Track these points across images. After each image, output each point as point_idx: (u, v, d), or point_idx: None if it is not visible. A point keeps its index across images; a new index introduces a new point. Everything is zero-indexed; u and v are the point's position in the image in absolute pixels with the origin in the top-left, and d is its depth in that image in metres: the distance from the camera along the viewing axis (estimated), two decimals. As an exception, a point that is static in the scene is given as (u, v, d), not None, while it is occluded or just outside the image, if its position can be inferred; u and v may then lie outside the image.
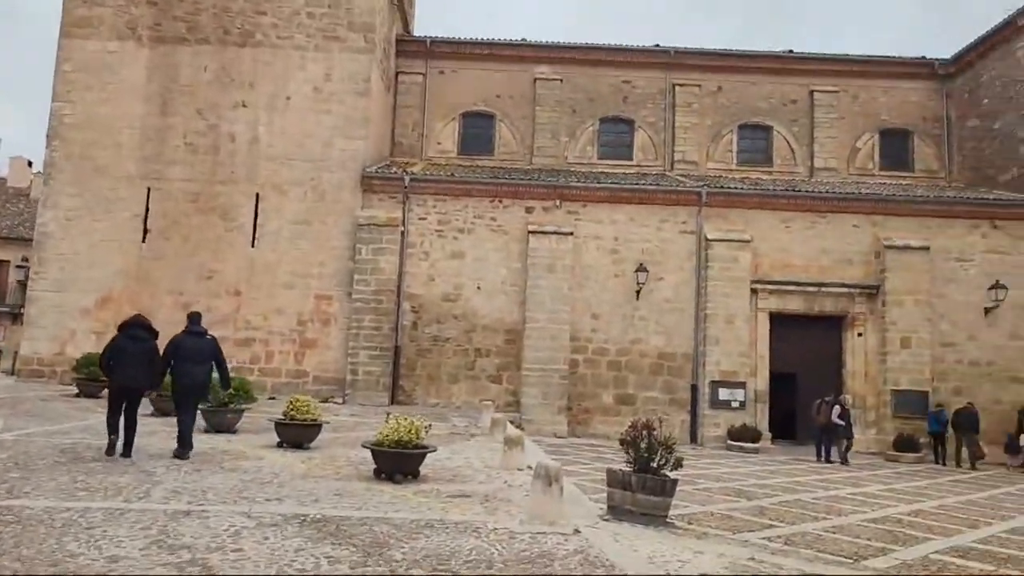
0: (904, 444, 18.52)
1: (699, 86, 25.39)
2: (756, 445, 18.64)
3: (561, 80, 25.26)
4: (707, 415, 19.59)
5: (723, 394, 19.60)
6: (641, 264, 20.07)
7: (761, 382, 20.12)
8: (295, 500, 6.94)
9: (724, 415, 19.47)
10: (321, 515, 6.30)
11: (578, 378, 20.03)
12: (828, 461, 16.97)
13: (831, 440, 17.41)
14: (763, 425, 19.86)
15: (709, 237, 20.21)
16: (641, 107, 25.48)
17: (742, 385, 19.67)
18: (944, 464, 18.21)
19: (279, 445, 10.49)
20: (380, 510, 6.73)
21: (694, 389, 20.02)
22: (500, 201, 20.48)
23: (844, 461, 16.88)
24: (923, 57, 25.70)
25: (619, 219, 20.63)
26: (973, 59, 24.48)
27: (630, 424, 7.59)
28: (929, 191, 22.53)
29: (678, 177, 23.07)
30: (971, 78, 24.69)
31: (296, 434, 10.58)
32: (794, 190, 21.31)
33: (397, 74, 25.08)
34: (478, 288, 20.08)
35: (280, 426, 10.65)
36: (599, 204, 20.71)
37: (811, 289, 20.33)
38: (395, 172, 20.63)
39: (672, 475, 7.48)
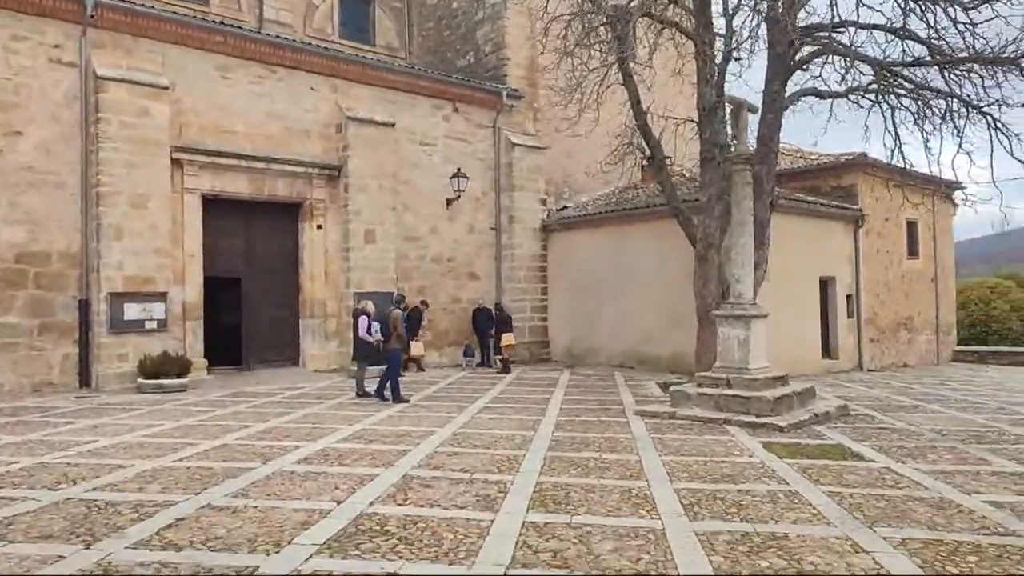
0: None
1: None
2: (184, 380, 13.10)
3: None
4: (106, 343, 13.06)
5: (132, 311, 13.27)
6: (-26, 104, 11.89)
7: (192, 291, 14.45)
8: None
9: (135, 341, 13.24)
10: None
11: None
12: (378, 395, 11.68)
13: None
14: (197, 350, 14.40)
15: (101, 74, 13.11)
16: None
17: (162, 296, 13.66)
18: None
19: None
20: None
21: (84, 306, 13.16)
22: None
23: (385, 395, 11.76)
24: (386, -86, 22.47)
25: (-75, 22, 11.78)
26: (435, -72, 22.25)
27: None
28: (394, 63, 19.65)
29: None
30: (433, -51, 22.54)
31: None
32: (234, 26, 15.61)
33: None
34: None
35: None
36: None
37: (259, 165, 15.28)
38: None
39: None
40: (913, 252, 21.23)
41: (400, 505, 5.62)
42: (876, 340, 19.60)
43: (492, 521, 5.18)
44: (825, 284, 18.15)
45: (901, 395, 13.21)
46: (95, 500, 5.66)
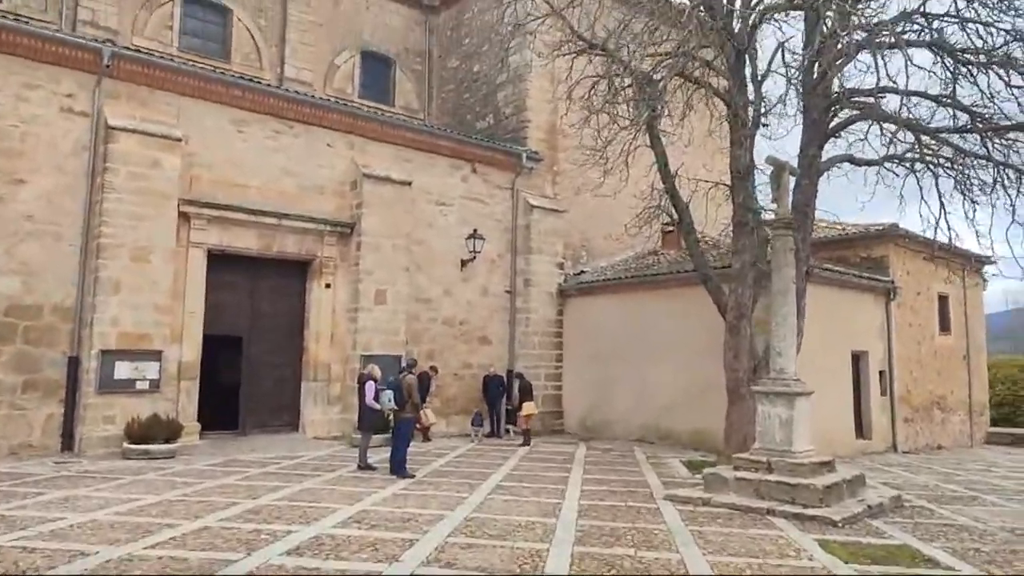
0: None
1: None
2: (172, 446, 12.19)
3: None
4: (92, 404, 12.21)
5: (123, 370, 12.47)
6: (-23, 150, 11.45)
7: (190, 350, 13.67)
8: None
9: (123, 402, 12.38)
10: None
11: None
12: (398, 473, 10.70)
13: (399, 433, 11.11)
14: (189, 412, 13.53)
15: (112, 124, 12.72)
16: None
17: (156, 355, 12.87)
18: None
19: None
20: None
21: (73, 364, 12.39)
22: None
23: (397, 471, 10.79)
24: (410, -20, 22.73)
25: (-66, 65, 11.47)
26: (457, -5, 22.45)
27: None
28: (413, 122, 19.38)
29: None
30: (456, 15, 22.65)
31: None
32: (253, 80, 15.37)
33: None
34: None
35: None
36: None
37: (270, 221, 14.73)
38: None
39: None
40: (945, 327, 20.28)
41: (405, 617, 4.67)
42: (910, 420, 18.46)
43: (518, 646, 4.23)
44: (857, 359, 17.19)
45: (950, 483, 12.09)
46: (41, 601, 4.74)
